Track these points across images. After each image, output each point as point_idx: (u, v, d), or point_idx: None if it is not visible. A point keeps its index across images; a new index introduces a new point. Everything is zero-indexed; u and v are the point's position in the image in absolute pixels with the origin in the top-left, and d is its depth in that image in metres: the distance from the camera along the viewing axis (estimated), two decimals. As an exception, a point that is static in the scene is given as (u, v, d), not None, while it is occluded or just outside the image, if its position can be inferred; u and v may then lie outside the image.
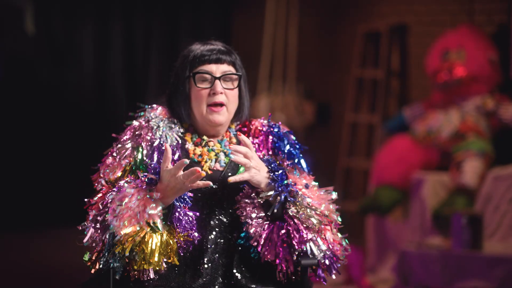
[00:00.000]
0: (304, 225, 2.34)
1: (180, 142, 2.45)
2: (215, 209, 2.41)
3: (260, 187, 2.37)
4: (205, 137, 2.48)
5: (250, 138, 2.52)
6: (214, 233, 2.40)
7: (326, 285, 2.44)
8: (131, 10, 7.71)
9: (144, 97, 7.49)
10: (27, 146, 7.37)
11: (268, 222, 2.36)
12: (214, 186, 2.40)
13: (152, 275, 2.29)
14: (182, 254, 2.34)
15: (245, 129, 2.56)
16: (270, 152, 2.50)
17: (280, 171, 2.38)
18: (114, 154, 2.42)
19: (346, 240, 2.46)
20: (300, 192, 2.37)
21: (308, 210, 2.36)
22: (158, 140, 2.41)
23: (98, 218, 2.31)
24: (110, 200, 2.29)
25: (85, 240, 2.33)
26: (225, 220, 2.42)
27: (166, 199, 2.30)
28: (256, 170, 2.36)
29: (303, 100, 7.08)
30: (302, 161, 2.52)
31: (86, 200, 2.38)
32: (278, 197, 2.35)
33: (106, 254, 2.27)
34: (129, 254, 2.24)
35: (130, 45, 7.73)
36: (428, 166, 5.70)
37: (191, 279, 2.36)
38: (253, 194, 2.39)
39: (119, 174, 2.38)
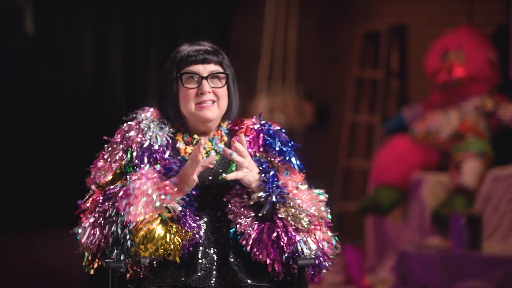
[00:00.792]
0: (293, 227, 2.37)
1: (170, 142, 2.47)
2: (208, 205, 2.44)
3: (250, 187, 2.40)
4: (196, 136, 2.50)
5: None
6: (207, 228, 2.43)
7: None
8: (131, 11, 7.71)
9: (143, 97, 7.50)
10: (27, 146, 7.37)
11: (257, 222, 2.39)
12: (206, 183, 2.42)
13: (147, 271, 2.33)
14: (183, 252, 2.36)
15: (237, 127, 2.57)
16: (261, 149, 2.52)
17: (271, 172, 2.41)
18: (105, 156, 2.44)
19: (337, 238, 2.48)
20: (290, 194, 2.39)
21: (298, 211, 2.38)
22: (148, 141, 2.44)
23: (96, 218, 2.33)
24: (122, 190, 2.32)
25: (83, 240, 2.34)
26: (218, 215, 2.44)
27: (178, 194, 2.34)
28: (248, 170, 2.38)
29: (303, 101, 7.08)
30: (293, 159, 2.53)
31: (78, 203, 2.41)
32: (269, 198, 2.37)
33: (115, 247, 2.29)
34: (137, 243, 2.27)
35: (129, 45, 7.73)
36: (428, 167, 5.70)
37: (186, 275, 2.38)
38: (244, 194, 2.41)
39: (109, 177, 2.41)
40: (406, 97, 6.58)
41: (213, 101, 2.47)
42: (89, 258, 2.37)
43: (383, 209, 5.70)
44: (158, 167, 2.39)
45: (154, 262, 2.33)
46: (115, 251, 2.30)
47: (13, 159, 7.31)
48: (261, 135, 2.53)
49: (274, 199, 2.37)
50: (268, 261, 2.37)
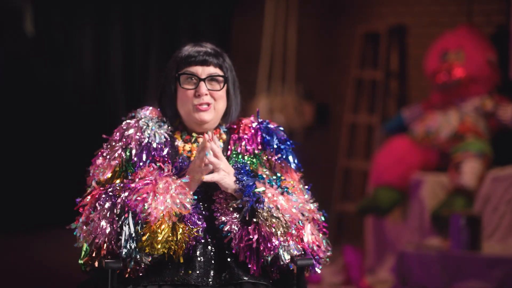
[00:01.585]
0: (271, 233, 2.37)
1: (169, 140, 2.48)
2: (205, 202, 2.44)
3: (227, 191, 2.41)
4: (194, 134, 2.52)
5: (240, 134, 2.55)
6: (205, 226, 2.42)
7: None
8: (131, 11, 7.72)
9: (143, 97, 7.50)
10: (27, 146, 7.38)
11: (240, 222, 2.40)
12: (203, 179, 2.43)
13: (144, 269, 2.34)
14: (186, 251, 2.37)
15: (235, 126, 2.58)
16: (260, 147, 2.52)
17: (248, 180, 2.41)
18: (104, 154, 2.45)
19: (328, 240, 2.49)
20: (266, 200, 2.39)
21: (274, 219, 2.38)
22: (147, 139, 2.45)
23: (96, 214, 2.33)
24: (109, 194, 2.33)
25: (80, 234, 2.35)
26: (214, 211, 2.44)
27: (189, 193, 2.36)
28: (225, 173, 2.40)
29: (302, 101, 7.09)
30: (291, 157, 2.54)
31: (77, 200, 2.42)
32: (246, 205, 2.38)
33: (127, 243, 2.29)
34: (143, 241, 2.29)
35: (129, 45, 7.74)
36: (427, 167, 5.71)
37: (185, 273, 2.39)
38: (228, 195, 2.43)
39: (109, 175, 2.42)
40: (405, 97, 6.59)
41: (209, 104, 2.47)
42: (88, 255, 2.38)
43: (383, 210, 5.70)
44: (157, 165, 2.40)
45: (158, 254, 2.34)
46: (125, 249, 2.30)
47: (13, 159, 7.31)
48: (259, 133, 2.54)
49: (249, 206, 2.38)
50: (247, 260, 2.40)
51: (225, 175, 2.40)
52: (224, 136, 2.55)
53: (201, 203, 2.43)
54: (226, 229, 2.39)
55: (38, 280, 5.46)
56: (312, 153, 6.89)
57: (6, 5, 7.27)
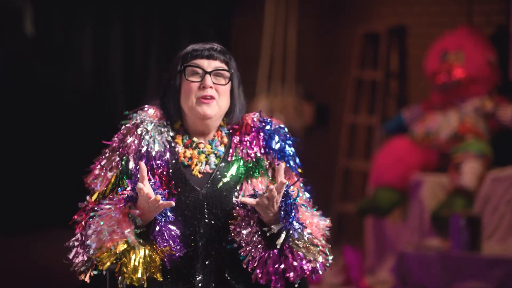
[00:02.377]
0: (304, 258, 2.33)
1: (168, 147, 2.45)
2: (205, 214, 2.39)
3: (261, 215, 2.34)
4: (195, 139, 2.47)
5: (242, 136, 2.50)
6: (204, 238, 2.38)
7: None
8: (131, 11, 7.72)
9: (143, 97, 7.50)
10: (27, 146, 7.38)
11: (263, 245, 2.34)
12: (203, 191, 2.40)
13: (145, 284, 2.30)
14: (169, 268, 2.32)
15: (237, 126, 2.54)
16: (262, 151, 2.48)
17: (291, 205, 2.33)
18: (102, 163, 2.43)
19: (327, 251, 2.45)
20: (303, 225, 2.34)
21: (309, 244, 2.35)
22: (146, 147, 2.41)
23: (82, 236, 2.33)
24: (90, 217, 2.32)
25: (70, 256, 2.38)
26: (213, 223, 2.39)
27: (146, 215, 2.28)
28: (269, 205, 2.32)
29: (302, 101, 7.09)
30: (292, 162, 2.51)
31: (80, 205, 2.41)
32: (290, 232, 2.32)
33: (90, 268, 2.31)
34: (115, 269, 2.26)
35: (129, 45, 7.73)
36: (427, 168, 5.71)
37: (184, 286, 2.37)
38: (252, 220, 2.36)
39: (103, 188, 2.40)
40: (405, 98, 6.59)
41: (213, 97, 2.43)
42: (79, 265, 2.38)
43: (383, 210, 5.71)
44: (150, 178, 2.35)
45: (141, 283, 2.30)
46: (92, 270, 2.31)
47: (13, 159, 7.31)
48: (261, 134, 2.50)
49: (291, 233, 2.32)
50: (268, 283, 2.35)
51: (268, 206, 2.32)
52: (225, 140, 2.50)
53: (199, 216, 2.39)
54: (243, 253, 2.33)
55: (38, 280, 5.45)
56: (312, 153, 6.89)
57: (6, 5, 7.27)
